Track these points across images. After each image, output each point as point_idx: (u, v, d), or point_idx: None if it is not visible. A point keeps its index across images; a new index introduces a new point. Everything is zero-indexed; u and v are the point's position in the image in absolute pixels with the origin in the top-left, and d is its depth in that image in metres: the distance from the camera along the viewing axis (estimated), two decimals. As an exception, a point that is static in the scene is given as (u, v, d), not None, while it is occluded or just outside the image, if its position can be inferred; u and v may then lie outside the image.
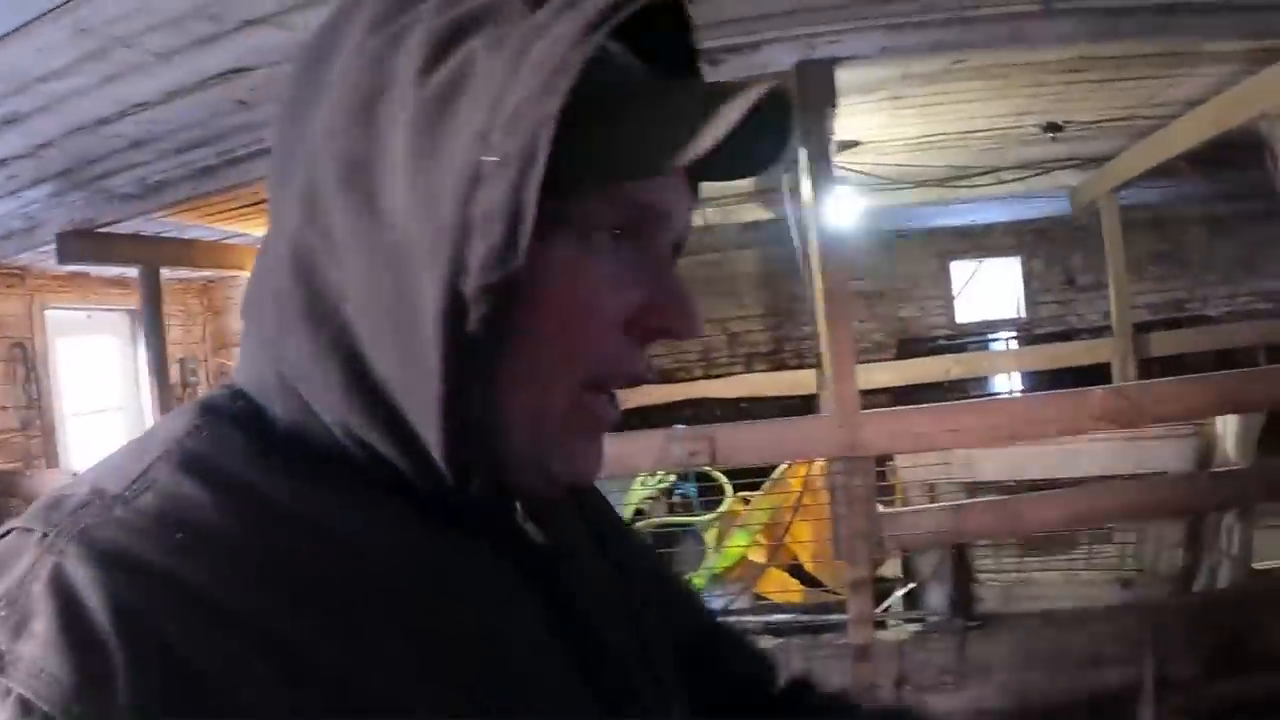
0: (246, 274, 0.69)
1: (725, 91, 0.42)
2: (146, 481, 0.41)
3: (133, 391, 6.00)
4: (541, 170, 0.38)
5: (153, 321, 4.64)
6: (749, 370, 7.64)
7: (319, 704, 0.37)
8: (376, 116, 0.41)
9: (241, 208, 4.42)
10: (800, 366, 7.12)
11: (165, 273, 5.03)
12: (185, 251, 5.10)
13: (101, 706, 0.33)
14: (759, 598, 3.78)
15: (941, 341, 7.57)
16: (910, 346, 7.60)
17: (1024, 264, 7.80)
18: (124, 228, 4.29)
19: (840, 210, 3.30)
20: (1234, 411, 2.99)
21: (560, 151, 0.39)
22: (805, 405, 6.41)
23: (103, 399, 6.03)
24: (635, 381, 0.46)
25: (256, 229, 4.83)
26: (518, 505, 0.51)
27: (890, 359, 7.50)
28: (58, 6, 2.08)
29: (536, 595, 0.49)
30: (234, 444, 0.44)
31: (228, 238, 5.14)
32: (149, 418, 5.11)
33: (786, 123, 0.46)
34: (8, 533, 0.40)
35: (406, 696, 0.40)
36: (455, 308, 0.39)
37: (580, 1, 0.41)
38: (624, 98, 0.43)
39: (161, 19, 2.23)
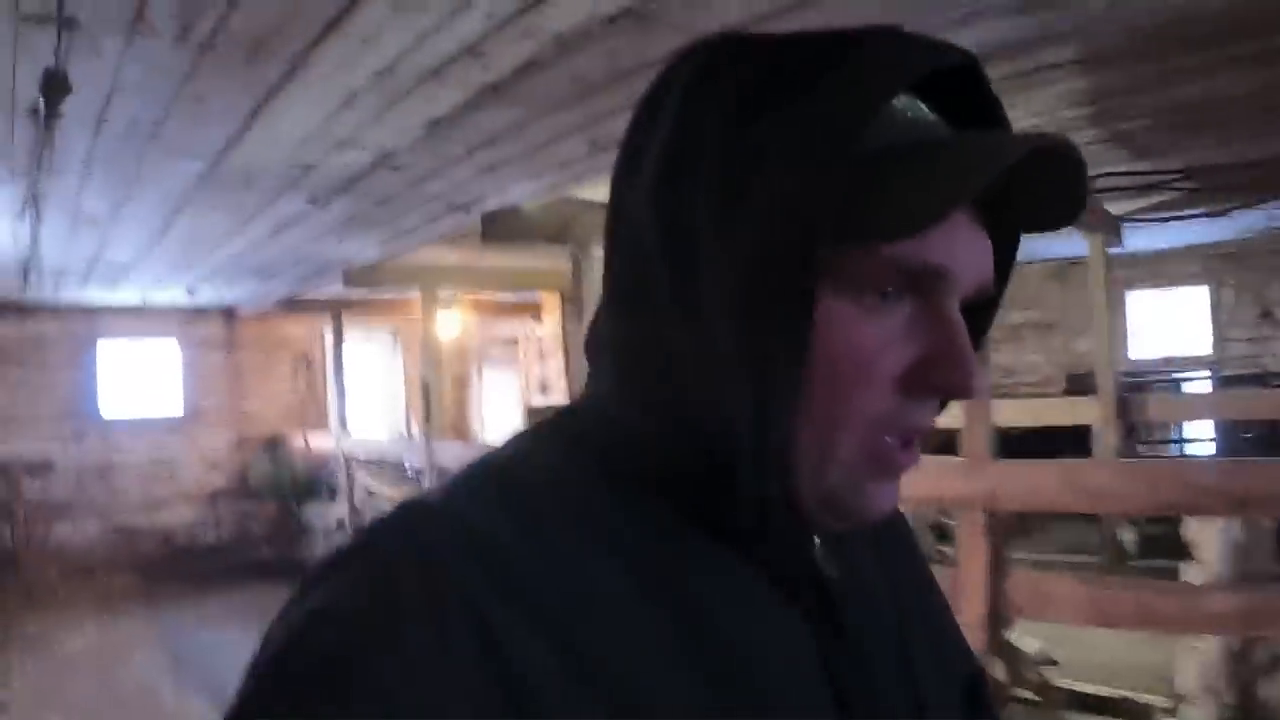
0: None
1: (1012, 143, 0.43)
2: (484, 497, 0.46)
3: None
4: (811, 252, 0.42)
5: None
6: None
7: (598, 703, 0.40)
8: (683, 188, 0.45)
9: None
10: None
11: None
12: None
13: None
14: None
15: (1122, 379, 7.08)
16: (1081, 382, 7.17)
17: (1212, 294, 7.26)
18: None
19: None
20: None
21: (841, 216, 0.42)
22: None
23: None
24: (919, 434, 0.47)
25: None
26: (816, 541, 0.53)
27: (1058, 394, 7.16)
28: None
29: (817, 630, 0.51)
30: (560, 464, 0.48)
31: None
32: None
33: (1075, 175, 0.46)
34: (375, 528, 0.45)
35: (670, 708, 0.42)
36: (754, 367, 0.43)
37: (859, 76, 0.43)
38: (895, 159, 0.43)
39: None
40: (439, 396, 6.35)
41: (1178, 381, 7.17)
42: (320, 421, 7.95)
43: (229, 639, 4.87)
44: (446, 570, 0.41)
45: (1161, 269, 7.18)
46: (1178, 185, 4.72)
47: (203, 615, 5.86)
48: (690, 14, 2.09)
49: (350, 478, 6.78)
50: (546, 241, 4.35)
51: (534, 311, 7.95)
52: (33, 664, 4.89)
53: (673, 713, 0.42)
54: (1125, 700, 3.23)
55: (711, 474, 0.46)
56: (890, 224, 0.42)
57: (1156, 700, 3.14)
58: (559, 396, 7.97)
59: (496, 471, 0.48)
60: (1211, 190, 4.82)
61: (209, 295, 6.80)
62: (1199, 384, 7.13)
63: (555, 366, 7.95)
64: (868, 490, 0.48)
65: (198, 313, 7.63)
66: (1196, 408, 6.66)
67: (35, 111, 2.50)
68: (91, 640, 5.38)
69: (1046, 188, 0.46)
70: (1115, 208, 5.27)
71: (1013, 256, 0.51)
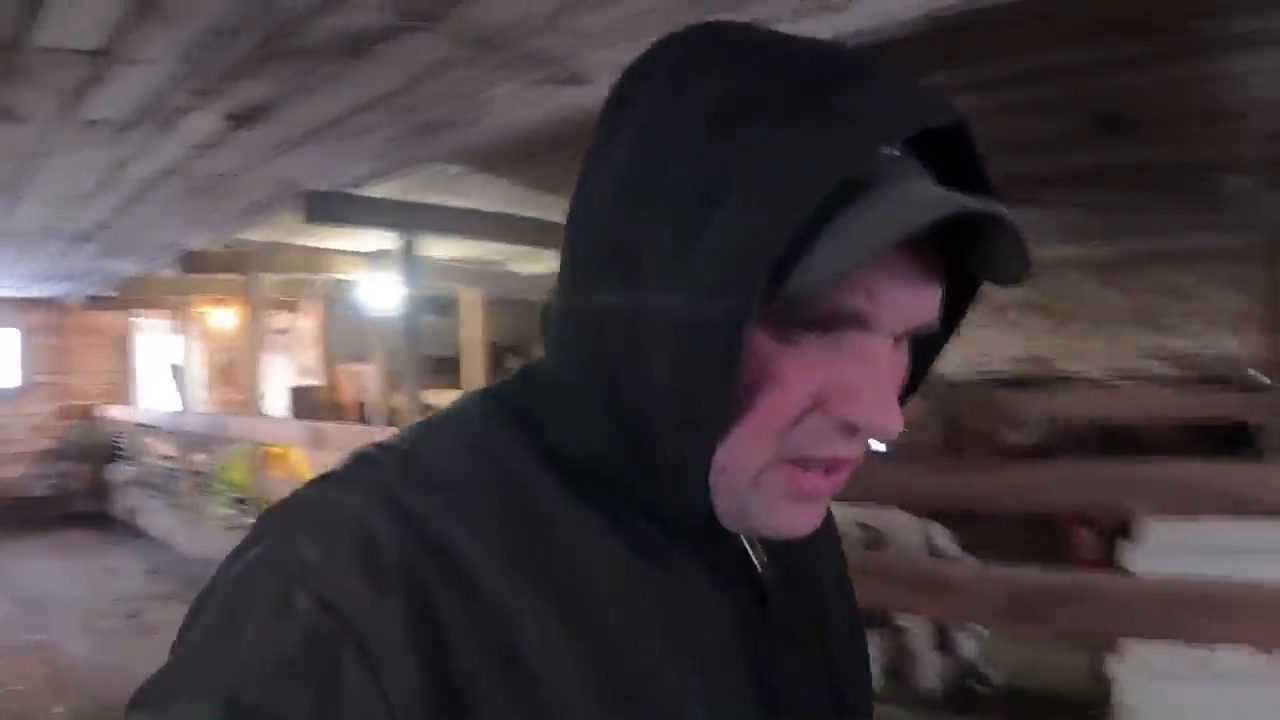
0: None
1: (927, 206, 0.42)
2: (437, 451, 0.50)
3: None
4: (754, 298, 0.42)
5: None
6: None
7: (530, 665, 0.44)
8: (649, 197, 0.45)
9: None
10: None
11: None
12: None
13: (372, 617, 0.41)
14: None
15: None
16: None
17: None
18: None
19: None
20: None
21: (793, 265, 0.42)
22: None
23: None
24: (840, 463, 0.49)
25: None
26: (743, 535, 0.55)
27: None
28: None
29: (745, 616, 0.54)
30: (512, 437, 0.51)
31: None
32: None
33: (1017, 238, 0.45)
34: (327, 475, 0.49)
35: (597, 677, 0.45)
36: (675, 396, 0.45)
37: (841, 122, 0.43)
38: (861, 217, 0.43)
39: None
40: (232, 376, 8.37)
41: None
42: (128, 397, 9.89)
43: (43, 565, 6.97)
44: (397, 530, 0.44)
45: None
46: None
47: (25, 549, 7.85)
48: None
49: (139, 443, 8.79)
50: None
51: (296, 307, 10.02)
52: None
53: (592, 698, 0.45)
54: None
55: (643, 476, 0.48)
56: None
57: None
58: (318, 379, 10.14)
59: (448, 451, 0.50)
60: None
61: (38, 290, 8.51)
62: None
63: (314, 355, 10.12)
64: (780, 510, 0.49)
65: (31, 302, 9.17)
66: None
67: None
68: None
69: (999, 243, 0.45)
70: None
71: (973, 294, 0.52)
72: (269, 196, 4.30)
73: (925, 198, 0.43)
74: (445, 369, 8.23)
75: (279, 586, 0.42)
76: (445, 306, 8.52)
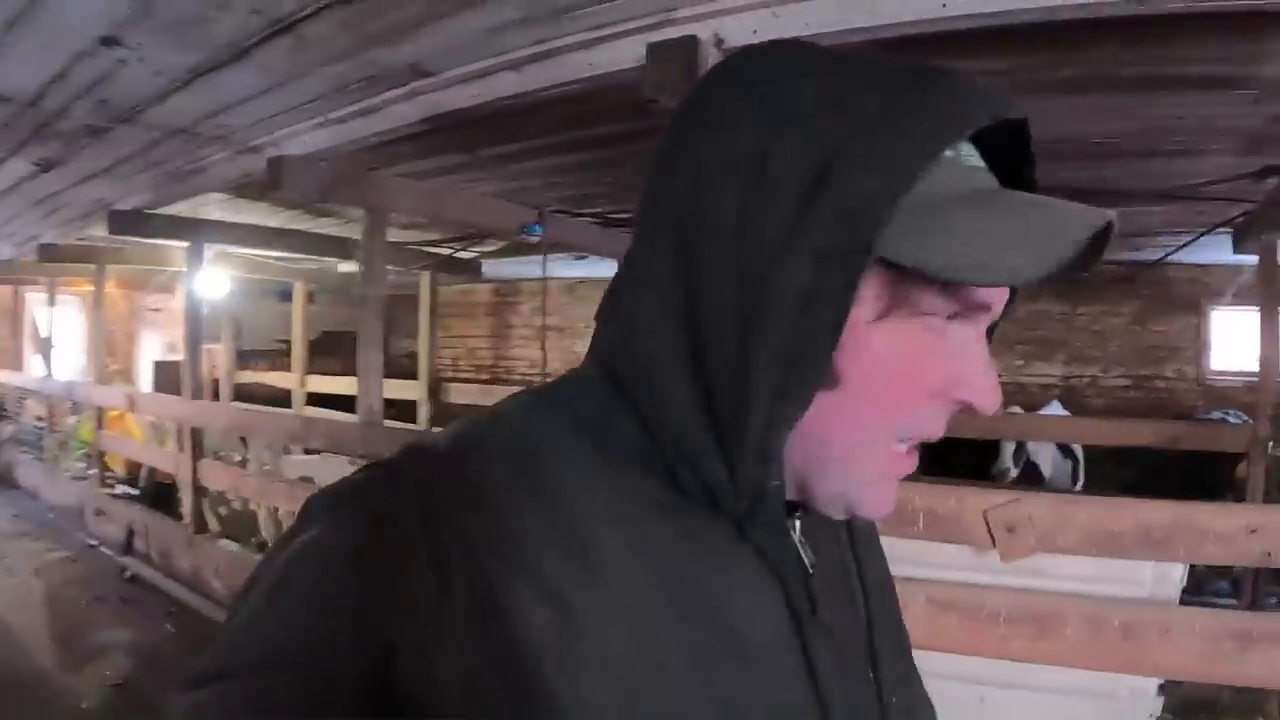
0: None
1: (1057, 209, 0.47)
2: (484, 448, 0.49)
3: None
4: (863, 265, 0.44)
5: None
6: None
7: (582, 657, 0.43)
8: (761, 181, 0.46)
9: None
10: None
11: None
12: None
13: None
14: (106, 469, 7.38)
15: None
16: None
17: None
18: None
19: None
20: None
21: (906, 245, 0.45)
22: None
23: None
24: (931, 440, 0.51)
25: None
26: (796, 525, 0.56)
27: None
28: None
29: (795, 609, 0.53)
30: (560, 430, 0.50)
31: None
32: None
33: (1104, 242, 0.47)
34: (373, 464, 0.50)
35: (653, 663, 0.45)
36: (781, 364, 0.46)
37: (929, 109, 0.46)
38: (968, 205, 0.46)
39: None
40: (111, 348, 9.55)
41: None
42: (14, 364, 10.99)
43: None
44: (449, 521, 0.44)
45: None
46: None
47: None
48: None
49: (20, 405, 9.98)
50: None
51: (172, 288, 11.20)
52: None
53: (663, 679, 0.45)
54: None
55: (711, 458, 0.48)
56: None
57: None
58: (179, 355, 11.31)
59: (510, 433, 0.50)
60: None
61: None
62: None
63: (179, 333, 11.25)
64: (882, 489, 0.52)
65: None
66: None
67: None
68: None
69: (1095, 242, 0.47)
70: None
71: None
72: (86, 210, 5.66)
73: (1077, 213, 0.46)
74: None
75: (324, 570, 0.44)
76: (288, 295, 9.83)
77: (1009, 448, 5.94)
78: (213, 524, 5.80)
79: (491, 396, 5.12)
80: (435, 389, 8.78)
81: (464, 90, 2.91)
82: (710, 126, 0.50)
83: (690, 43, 2.33)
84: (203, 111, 3.53)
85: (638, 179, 0.67)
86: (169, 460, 6.31)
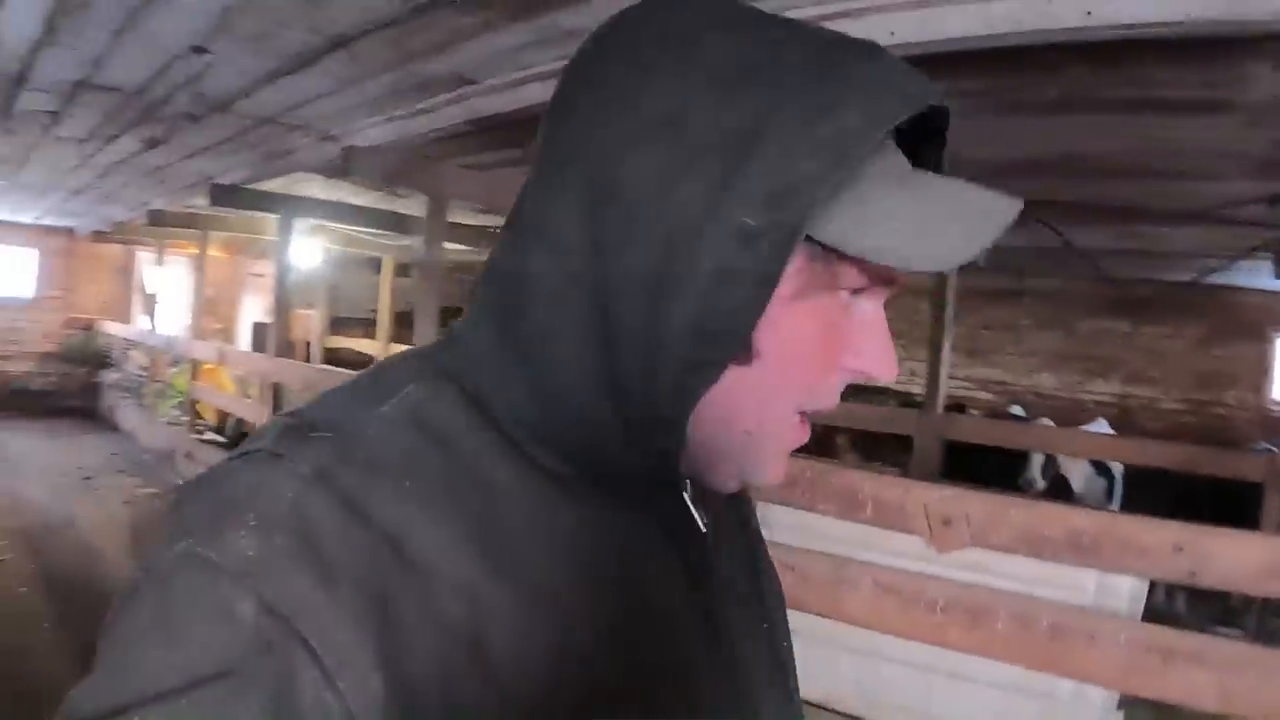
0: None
1: (968, 192, 0.47)
2: (375, 425, 0.46)
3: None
4: (793, 248, 0.43)
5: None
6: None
7: (496, 637, 0.43)
8: (670, 146, 0.44)
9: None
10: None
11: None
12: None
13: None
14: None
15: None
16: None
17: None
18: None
19: None
20: None
21: (835, 228, 0.45)
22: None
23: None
24: (826, 411, 0.51)
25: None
26: (688, 486, 0.56)
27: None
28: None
29: (685, 569, 0.54)
30: (451, 403, 0.49)
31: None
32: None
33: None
34: (253, 451, 0.46)
35: (561, 636, 0.45)
36: (697, 338, 0.44)
37: (868, 88, 0.44)
38: (894, 186, 0.46)
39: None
40: (215, 308, 10.36)
41: None
42: (124, 316, 11.97)
43: (29, 440, 8.92)
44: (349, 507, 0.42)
45: None
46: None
47: (18, 428, 9.68)
48: None
49: (125, 355, 10.88)
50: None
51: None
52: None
53: (562, 676, 0.44)
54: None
55: (610, 428, 0.48)
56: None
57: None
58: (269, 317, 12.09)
59: (406, 419, 0.48)
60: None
61: (54, 220, 10.38)
62: None
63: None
64: (777, 460, 0.52)
65: (49, 229, 11.03)
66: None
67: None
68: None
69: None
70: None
71: None
72: (191, 182, 6.27)
73: (993, 199, 0.47)
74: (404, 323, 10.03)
75: (217, 588, 0.38)
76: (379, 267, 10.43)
77: (1038, 460, 6.01)
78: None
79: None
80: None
81: (500, 98, 3.26)
82: (617, 81, 0.46)
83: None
84: (284, 105, 3.98)
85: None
86: (253, 411, 6.91)
